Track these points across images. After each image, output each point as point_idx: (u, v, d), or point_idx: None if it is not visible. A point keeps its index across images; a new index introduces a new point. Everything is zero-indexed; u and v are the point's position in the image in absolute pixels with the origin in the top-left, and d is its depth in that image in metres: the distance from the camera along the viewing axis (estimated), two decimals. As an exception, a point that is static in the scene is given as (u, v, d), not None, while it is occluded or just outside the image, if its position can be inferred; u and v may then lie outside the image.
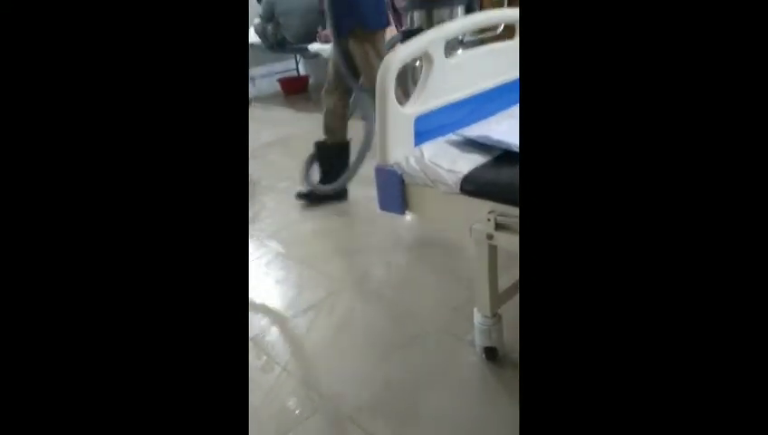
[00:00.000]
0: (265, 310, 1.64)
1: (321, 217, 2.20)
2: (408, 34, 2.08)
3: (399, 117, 1.18)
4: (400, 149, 1.20)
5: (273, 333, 1.53)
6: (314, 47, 3.66)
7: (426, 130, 1.22)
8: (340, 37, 1.87)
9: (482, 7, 3.47)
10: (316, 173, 2.24)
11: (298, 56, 4.51)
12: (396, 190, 1.22)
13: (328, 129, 2.13)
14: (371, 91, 1.36)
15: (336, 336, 1.48)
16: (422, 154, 1.17)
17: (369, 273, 1.77)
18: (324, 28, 3.58)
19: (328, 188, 2.11)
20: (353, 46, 1.95)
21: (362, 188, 2.14)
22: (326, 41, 3.42)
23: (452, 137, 1.22)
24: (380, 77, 1.14)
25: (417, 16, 2.15)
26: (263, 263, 1.92)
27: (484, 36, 2.18)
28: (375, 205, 1.29)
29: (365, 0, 1.89)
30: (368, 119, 1.87)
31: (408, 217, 1.84)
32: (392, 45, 2.13)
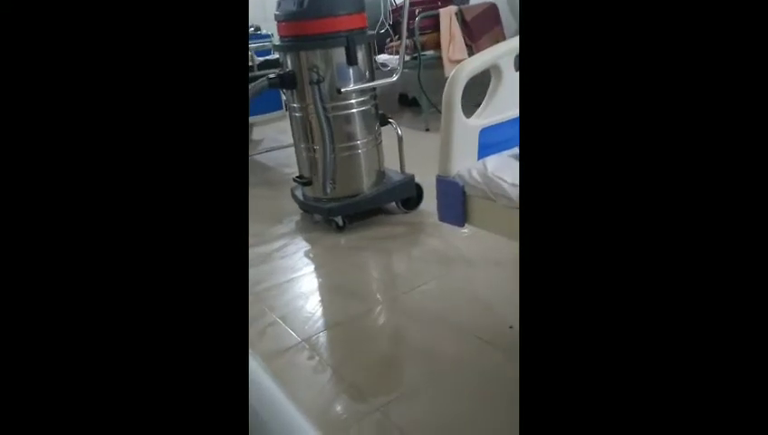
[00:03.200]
0: (320, 314, 1.60)
1: (377, 225, 2.13)
2: (281, 78, 2.01)
3: (464, 129, 1.17)
4: (463, 160, 1.18)
5: (327, 336, 1.47)
6: (381, 58, 3.40)
7: (490, 143, 1.22)
8: None
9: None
10: None
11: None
12: (457, 202, 1.19)
13: None
14: None
15: (387, 344, 1.44)
16: (485, 167, 1.17)
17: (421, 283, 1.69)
18: (393, 39, 3.40)
19: None
20: None
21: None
22: (395, 52, 3.25)
23: (516, 151, 1.24)
24: (448, 89, 1.12)
25: (290, 59, 2.01)
26: (311, 270, 1.86)
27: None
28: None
29: None
30: None
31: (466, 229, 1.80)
32: (258, 90, 2.05)
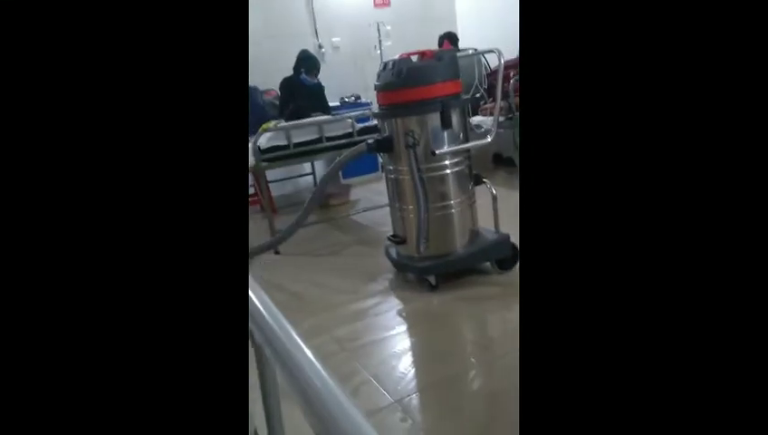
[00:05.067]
0: (412, 374, 1.57)
1: (471, 285, 2.12)
2: (379, 143, 2.11)
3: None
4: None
5: (420, 399, 1.42)
6: (476, 120, 3.62)
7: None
8: None
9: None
10: None
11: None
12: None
13: None
14: None
15: (482, 410, 1.34)
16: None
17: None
18: (487, 102, 3.61)
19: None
20: None
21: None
22: (490, 114, 3.45)
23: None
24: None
25: (388, 125, 2.10)
26: (404, 329, 1.87)
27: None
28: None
29: None
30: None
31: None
32: (357, 155, 2.18)
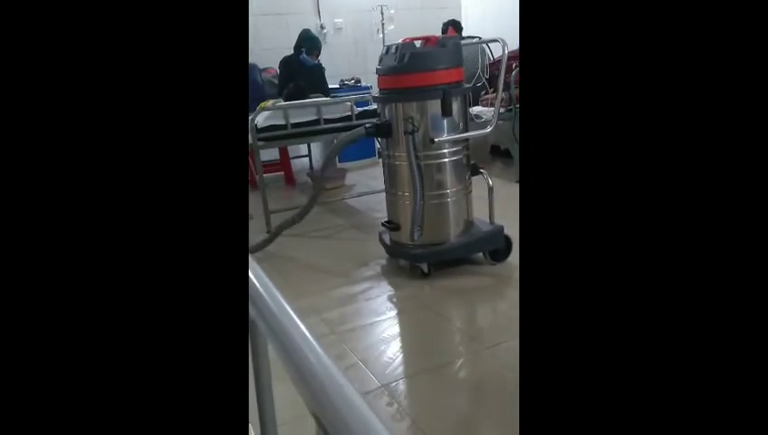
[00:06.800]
0: (400, 360, 1.58)
1: (463, 275, 2.12)
2: (378, 128, 2.09)
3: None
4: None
5: (407, 385, 1.45)
6: (475, 110, 3.63)
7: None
8: None
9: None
10: None
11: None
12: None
13: None
14: None
15: (468, 400, 1.38)
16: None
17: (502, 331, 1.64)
18: (488, 92, 3.58)
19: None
20: None
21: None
22: (490, 105, 3.44)
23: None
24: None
25: (387, 110, 2.09)
26: (394, 315, 1.88)
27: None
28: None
29: None
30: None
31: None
32: (355, 138, 2.17)
